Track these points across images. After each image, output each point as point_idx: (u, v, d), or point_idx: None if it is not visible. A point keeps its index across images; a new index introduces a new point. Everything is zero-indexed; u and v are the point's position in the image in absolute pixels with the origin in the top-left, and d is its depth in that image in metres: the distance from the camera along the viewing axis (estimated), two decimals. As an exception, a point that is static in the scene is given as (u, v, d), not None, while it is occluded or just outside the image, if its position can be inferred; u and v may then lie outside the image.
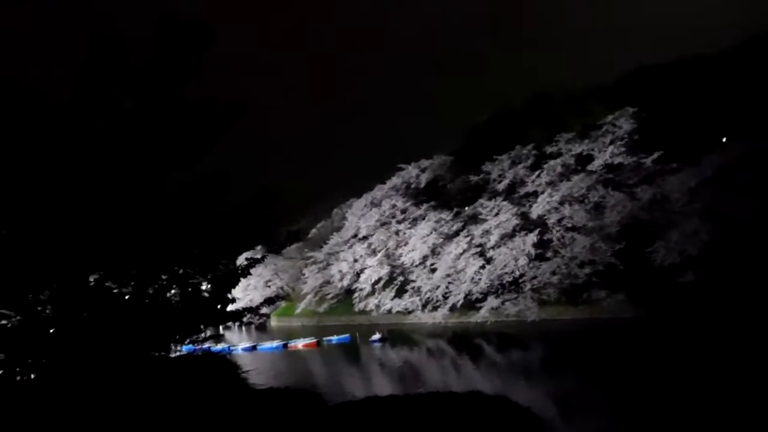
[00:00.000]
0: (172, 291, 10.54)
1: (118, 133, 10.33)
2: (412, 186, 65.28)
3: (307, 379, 33.19)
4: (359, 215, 67.20)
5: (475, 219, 54.66)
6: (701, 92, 46.34)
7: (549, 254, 47.13)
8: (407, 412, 6.97)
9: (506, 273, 48.14)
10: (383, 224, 63.82)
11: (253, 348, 51.52)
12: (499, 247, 49.76)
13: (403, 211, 62.78)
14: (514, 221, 49.77)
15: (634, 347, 31.18)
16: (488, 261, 50.17)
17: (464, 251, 51.91)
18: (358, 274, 63.09)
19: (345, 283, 64.63)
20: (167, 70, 9.97)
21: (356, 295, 62.38)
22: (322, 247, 70.57)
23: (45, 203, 9.71)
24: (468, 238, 52.63)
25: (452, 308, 51.43)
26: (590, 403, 21.51)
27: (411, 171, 65.75)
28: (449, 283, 52.08)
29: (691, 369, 24.07)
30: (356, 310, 62.62)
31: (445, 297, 52.06)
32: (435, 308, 53.12)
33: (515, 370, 31.40)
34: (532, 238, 47.53)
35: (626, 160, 47.06)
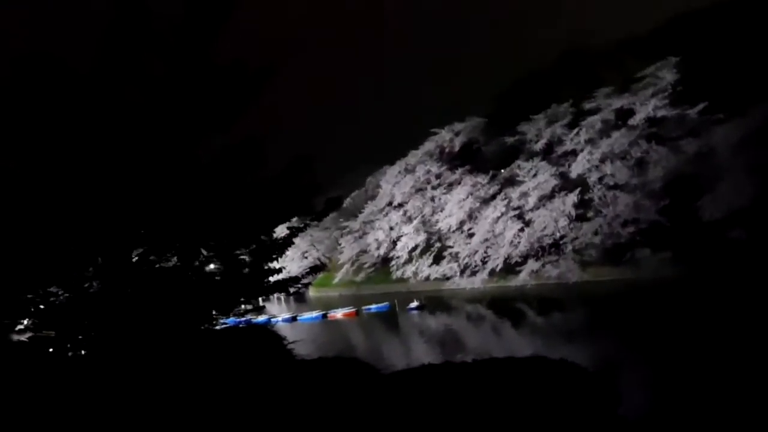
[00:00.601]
0: (217, 263, 10.23)
1: (149, 99, 9.87)
2: (446, 150, 64.26)
3: (351, 349, 33.11)
4: (393, 182, 66.53)
5: (512, 181, 53.61)
6: (745, 37, 43.90)
7: (590, 214, 45.95)
8: (468, 379, 6.47)
9: (546, 235, 47.23)
10: (418, 190, 63.10)
11: (293, 319, 51.78)
12: (538, 209, 48.79)
13: (438, 177, 61.91)
14: (553, 182, 48.65)
15: (680, 308, 30.10)
16: (527, 224, 49.27)
17: (502, 214, 51.07)
18: (394, 242, 62.74)
19: (381, 251, 64.40)
20: (195, 31, 9.44)
21: (393, 263, 62.15)
22: (357, 216, 70.20)
23: (81, 176, 9.40)
24: (505, 201, 51.69)
25: (491, 273, 50.82)
26: (638, 368, 20.70)
27: (444, 135, 64.68)
28: (487, 247, 51.42)
29: (740, 330, 23.00)
30: (394, 278, 62.40)
31: (484, 262, 51.46)
32: (473, 273, 52.51)
33: (559, 334, 30.67)
34: (573, 198, 46.37)
35: (669, 113, 45.19)
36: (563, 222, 46.54)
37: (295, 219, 11.85)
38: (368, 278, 66.78)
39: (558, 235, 46.75)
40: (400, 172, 66.55)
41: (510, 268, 49.49)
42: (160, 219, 9.47)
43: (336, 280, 69.30)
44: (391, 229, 63.67)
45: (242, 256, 10.39)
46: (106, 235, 9.57)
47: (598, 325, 31.25)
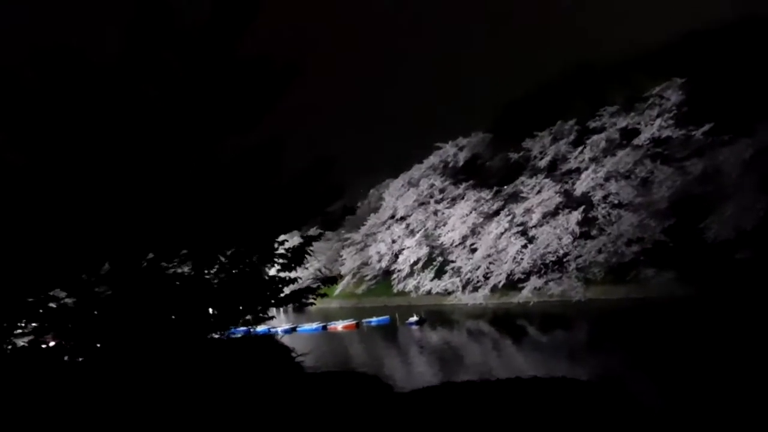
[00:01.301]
0: (231, 271, 9.96)
1: (170, 97, 9.67)
2: (450, 165, 64.29)
3: (352, 361, 32.82)
4: (396, 195, 66.49)
5: (515, 197, 53.47)
6: (751, 57, 43.87)
7: (594, 232, 45.74)
8: (493, 400, 6.25)
9: (549, 252, 46.97)
10: (421, 204, 63.01)
11: (293, 330, 51.43)
12: (542, 225, 48.61)
13: (442, 191, 61.85)
14: (557, 199, 48.48)
15: (686, 328, 29.80)
16: (530, 240, 49.05)
17: (505, 230, 50.88)
18: (396, 255, 62.58)
19: (383, 264, 64.19)
20: (221, 28, 9.27)
21: (395, 276, 61.91)
22: (359, 228, 70.01)
23: (95, 174, 9.14)
24: (509, 217, 51.55)
25: (493, 289, 50.54)
26: (648, 389, 20.42)
27: (448, 149, 64.76)
28: (490, 263, 51.16)
29: (746, 350, 22.72)
30: (395, 291, 62.16)
31: (486, 277, 51.17)
32: (475, 289, 52.23)
33: (562, 351, 30.37)
34: (576, 215, 46.20)
35: (674, 133, 45.07)
36: (567, 239, 46.32)
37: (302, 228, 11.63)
38: (369, 291, 66.50)
39: (561, 252, 46.49)
40: (403, 185, 66.54)
41: (512, 284, 49.17)
42: (175, 222, 9.24)
43: (337, 292, 68.95)
44: (394, 242, 63.48)
45: (259, 265, 10.16)
46: (116, 238, 9.34)
47: (602, 344, 30.99)
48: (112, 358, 9.69)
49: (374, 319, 49.54)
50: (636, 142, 46.60)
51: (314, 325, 51.30)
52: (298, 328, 51.68)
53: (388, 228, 65.56)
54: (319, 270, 75.40)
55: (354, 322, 49.70)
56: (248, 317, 10.25)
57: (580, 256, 45.26)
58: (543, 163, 53.23)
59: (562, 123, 53.35)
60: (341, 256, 71.14)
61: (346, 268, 68.78)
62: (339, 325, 49.79)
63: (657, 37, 52.51)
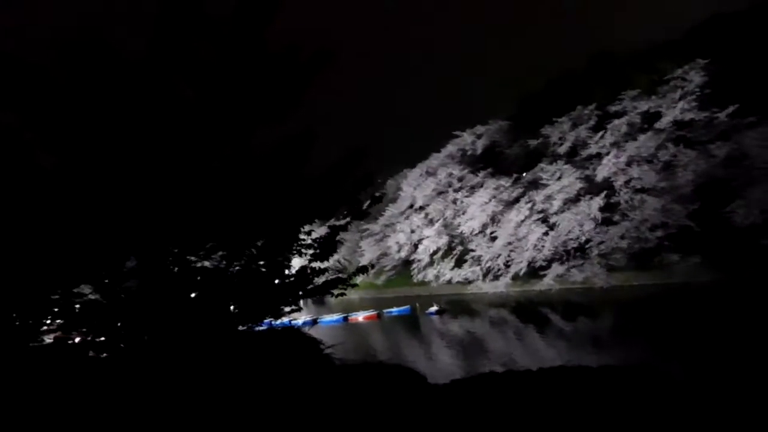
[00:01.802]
0: (262, 263, 9.82)
1: (200, 89, 9.48)
2: (468, 153, 63.79)
3: (377, 352, 32.72)
4: (414, 185, 66.22)
5: (535, 184, 52.97)
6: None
7: (617, 218, 45.15)
8: (542, 390, 6.05)
9: (571, 239, 46.53)
10: (440, 193, 62.73)
11: (314, 322, 51.43)
12: (563, 212, 48.11)
13: (460, 179, 61.45)
14: (578, 185, 47.94)
15: (713, 314, 29.27)
16: (551, 227, 48.63)
17: (526, 218, 50.50)
18: (415, 245, 62.42)
19: (403, 254, 64.06)
20: (246, 16, 9.04)
21: (414, 266, 61.76)
22: (377, 219, 69.87)
23: (124, 170, 9.00)
24: (529, 205, 51.11)
25: (515, 277, 50.27)
26: (679, 376, 20.04)
27: (466, 138, 64.24)
28: (511, 251, 50.87)
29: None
30: (415, 281, 61.99)
31: (507, 265, 50.89)
32: (496, 277, 51.97)
33: (587, 340, 30.01)
34: (598, 201, 45.65)
35: (698, 116, 44.27)
36: (589, 226, 45.81)
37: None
38: (389, 281, 66.39)
39: (583, 238, 46.02)
40: (421, 174, 66.24)
41: (534, 272, 48.87)
42: (203, 215, 9.08)
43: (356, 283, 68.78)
44: (413, 232, 63.29)
45: (286, 257, 10.01)
46: (142, 232, 9.19)
47: (627, 331, 30.55)
48: (138, 353, 9.60)
49: (395, 309, 49.41)
50: (658, 125, 45.83)
51: (335, 317, 51.28)
52: (319, 320, 51.69)
53: (407, 218, 65.35)
54: (338, 261, 75.60)
55: (375, 312, 49.62)
56: (278, 309, 10.12)
57: (602, 242, 44.75)
58: (563, 150, 52.63)
59: (581, 108, 52.60)
60: (360, 248, 71.05)
61: (366, 259, 68.65)
62: (360, 316, 49.74)
63: (679, 20, 51.58)
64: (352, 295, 69.26)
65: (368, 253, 68.69)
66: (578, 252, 46.57)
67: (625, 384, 6.12)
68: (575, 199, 47.88)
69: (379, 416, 6.49)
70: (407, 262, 63.91)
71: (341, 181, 9.99)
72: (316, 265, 9.93)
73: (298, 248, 9.84)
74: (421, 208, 64.24)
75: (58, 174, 9.18)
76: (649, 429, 5.60)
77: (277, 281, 10.02)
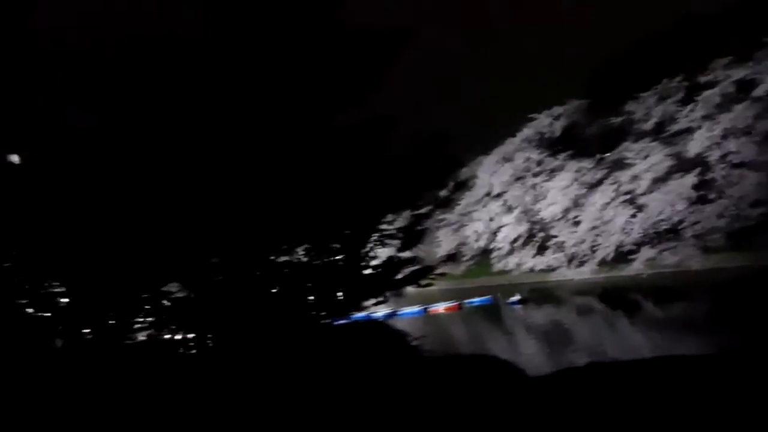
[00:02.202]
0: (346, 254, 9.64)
1: (275, 72, 9.04)
2: (546, 136, 61.56)
3: (466, 344, 31.94)
4: (491, 172, 64.45)
5: (620, 164, 50.35)
6: None
7: (712, 195, 42.19)
8: (659, 381, 5.27)
9: (662, 220, 43.93)
10: (518, 179, 60.85)
11: (393, 314, 50.92)
12: (652, 192, 45.50)
13: (539, 163, 59.37)
14: (667, 163, 45.21)
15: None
16: (639, 209, 46.10)
17: (611, 200, 48.16)
18: (494, 233, 60.91)
19: (481, 243, 62.71)
20: None
21: (494, 254, 60.36)
22: (453, 208, 68.54)
23: (208, 163, 8.93)
24: (614, 186, 48.69)
25: (601, 262, 48.17)
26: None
27: (543, 120, 62.00)
28: (596, 235, 48.75)
29: None
30: (495, 270, 60.57)
31: (593, 250, 48.75)
32: (581, 263, 49.94)
33: (687, 328, 27.89)
34: (691, 179, 42.84)
35: (800, 81, 40.65)
36: (681, 205, 43.05)
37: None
38: (468, 271, 65.09)
39: (676, 219, 43.29)
40: (497, 161, 64.40)
41: (622, 256, 46.53)
42: (291, 205, 8.81)
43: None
44: (491, 220, 61.86)
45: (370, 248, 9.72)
46: (230, 227, 9.04)
47: (728, 318, 28.16)
48: (226, 349, 9.60)
49: (476, 299, 48.28)
50: (756, 93, 42.34)
51: (415, 309, 50.56)
52: (398, 312, 51.11)
53: (485, 206, 63.89)
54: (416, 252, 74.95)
55: (456, 303, 48.60)
56: (363, 302, 9.84)
57: (697, 222, 41.98)
58: (648, 126, 49.87)
59: (667, 81, 49.53)
60: (437, 237, 70.00)
61: (443, 249, 67.51)
62: (440, 307, 48.89)
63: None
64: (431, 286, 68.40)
65: (445, 243, 67.47)
66: (670, 233, 43.90)
67: (726, 374, 5.42)
68: (665, 178, 45.12)
69: (479, 411, 6.14)
70: (486, 251, 62.53)
71: (425, 165, 9.52)
72: (402, 255, 9.54)
73: (381, 239, 9.48)
74: (499, 195, 62.62)
75: (144, 172, 9.04)
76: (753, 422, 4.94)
77: (362, 273, 9.77)
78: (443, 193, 10.79)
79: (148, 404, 7.73)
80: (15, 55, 8.85)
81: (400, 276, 9.73)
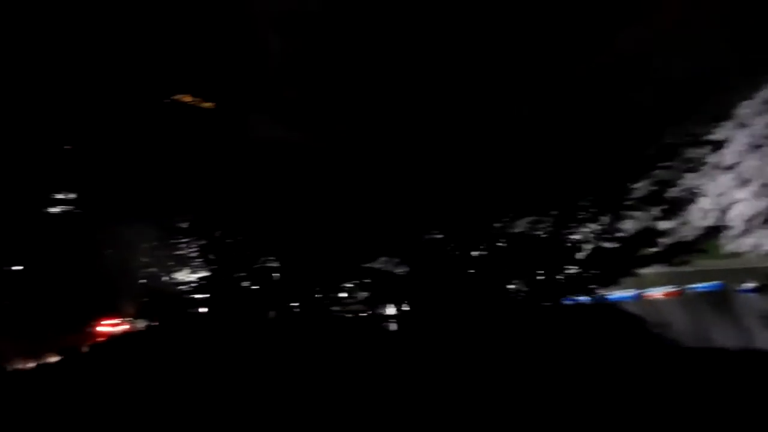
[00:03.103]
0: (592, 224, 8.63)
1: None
2: (793, 96, 53.43)
3: (687, 335, 28.48)
4: (720, 140, 57.61)
5: None
6: None
7: None
8: None
9: None
10: (756, 147, 53.89)
11: (602, 298, 47.59)
12: None
13: (783, 129, 51.92)
14: None
15: None
16: None
17: None
18: (724, 211, 54.64)
19: (708, 222, 56.56)
20: None
21: (723, 235, 54.20)
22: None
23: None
24: None
25: None
26: None
27: (790, 78, 53.71)
28: None
29: None
30: (723, 252, 54.41)
31: None
32: (841, 246, 42.39)
33: None
34: None
35: None
36: None
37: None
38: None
39: None
40: (732, 126, 57.57)
41: None
42: (522, 169, 7.99)
43: (649, 255, 63.08)
44: (720, 195, 55.39)
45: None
46: (451, 200, 8.79)
47: None
48: (436, 324, 9.43)
49: (702, 284, 43.55)
50: None
51: (627, 293, 46.86)
52: (607, 296, 47.67)
53: (713, 180, 57.52)
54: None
55: (678, 289, 44.16)
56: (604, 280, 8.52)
57: None
58: None
59: None
60: (686, 209, 64.77)
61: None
62: (659, 292, 44.79)
63: None
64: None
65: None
66: None
67: None
68: None
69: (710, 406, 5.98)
70: (713, 231, 56.35)
71: (684, 115, 8.02)
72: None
73: (628, 205, 8.29)
74: (730, 167, 55.88)
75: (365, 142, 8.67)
76: None
77: (601, 246, 8.73)
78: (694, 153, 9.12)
79: (352, 374, 8.10)
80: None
81: (649, 252, 8.22)
